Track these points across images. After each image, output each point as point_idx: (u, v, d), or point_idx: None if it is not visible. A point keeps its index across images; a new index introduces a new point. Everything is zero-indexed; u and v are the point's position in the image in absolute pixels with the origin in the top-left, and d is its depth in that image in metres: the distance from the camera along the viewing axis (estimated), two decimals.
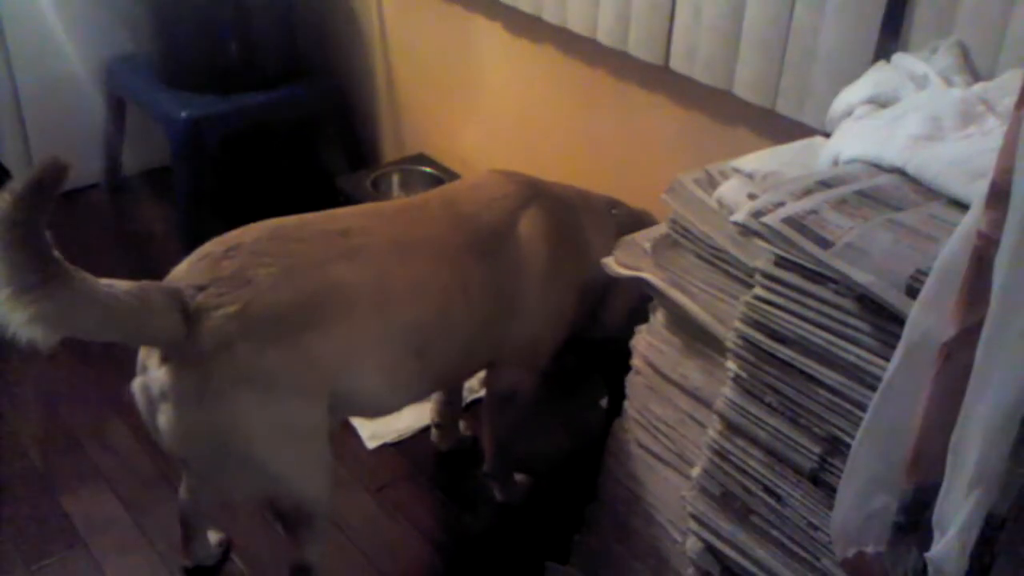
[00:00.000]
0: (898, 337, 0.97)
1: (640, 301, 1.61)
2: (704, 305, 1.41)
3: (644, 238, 1.55)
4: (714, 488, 1.34)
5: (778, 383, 1.20)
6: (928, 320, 0.93)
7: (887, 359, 0.99)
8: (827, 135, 1.44)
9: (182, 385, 1.40)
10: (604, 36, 2.08)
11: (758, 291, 1.20)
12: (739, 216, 1.19)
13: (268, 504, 1.62)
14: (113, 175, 3.12)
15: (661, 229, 1.51)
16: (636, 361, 1.58)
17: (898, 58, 1.50)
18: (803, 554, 1.23)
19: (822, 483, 1.18)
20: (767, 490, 1.25)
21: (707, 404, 1.41)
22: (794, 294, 1.15)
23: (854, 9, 1.61)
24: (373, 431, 2.17)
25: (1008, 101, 1.26)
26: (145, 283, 1.38)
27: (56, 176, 1.22)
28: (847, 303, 1.10)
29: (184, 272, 1.47)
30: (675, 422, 1.51)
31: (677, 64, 1.95)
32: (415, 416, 2.17)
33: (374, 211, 1.73)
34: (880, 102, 1.41)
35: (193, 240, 1.55)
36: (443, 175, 2.67)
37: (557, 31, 2.21)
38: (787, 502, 1.23)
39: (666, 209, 1.46)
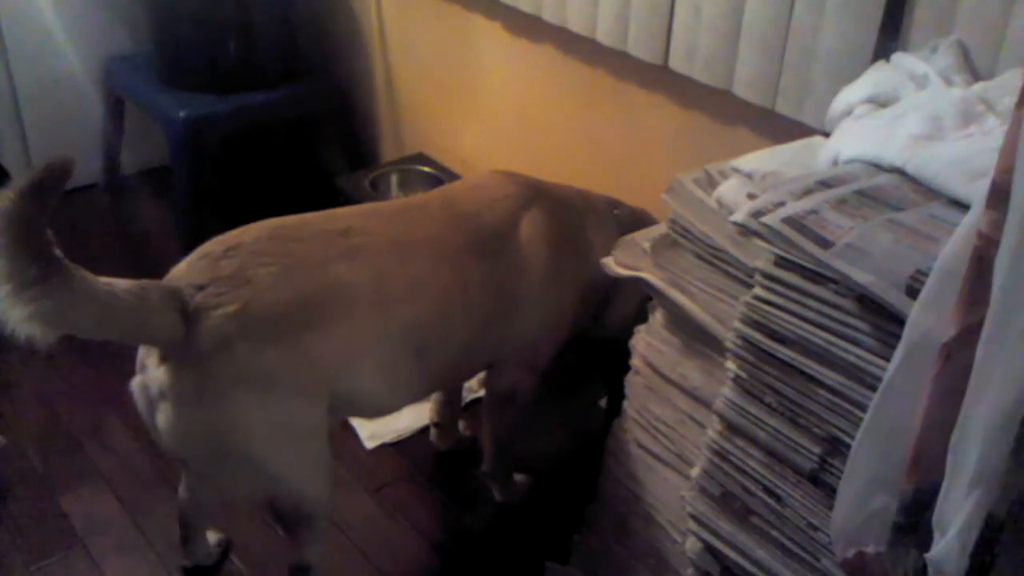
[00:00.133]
0: (898, 337, 0.97)
1: (644, 302, 1.61)
2: (703, 305, 1.41)
3: (643, 238, 1.55)
4: (714, 488, 1.33)
5: (778, 383, 1.20)
6: (928, 320, 0.92)
7: (887, 359, 0.99)
8: (827, 135, 1.44)
9: (181, 384, 1.40)
10: (604, 36, 2.08)
11: (758, 291, 1.20)
12: (739, 216, 1.19)
13: (268, 504, 1.62)
14: (112, 175, 3.12)
15: (661, 229, 1.50)
16: (635, 361, 1.58)
17: (898, 57, 1.49)
18: (803, 554, 1.23)
19: (822, 483, 1.17)
20: (767, 490, 1.25)
21: (706, 404, 1.41)
22: (794, 294, 1.15)
23: (854, 9, 1.61)
24: (372, 431, 2.17)
25: (1008, 101, 1.26)
26: (144, 282, 1.38)
27: (60, 173, 1.22)
28: (847, 303, 1.10)
29: (183, 271, 1.46)
30: (674, 422, 1.51)
31: (677, 64, 1.95)
32: (414, 416, 2.17)
33: (374, 211, 1.73)
34: (880, 102, 1.40)
35: (192, 240, 1.55)
36: (443, 175, 2.67)
37: (557, 31, 2.21)
38: (787, 502, 1.23)
39: (666, 209, 1.46)
